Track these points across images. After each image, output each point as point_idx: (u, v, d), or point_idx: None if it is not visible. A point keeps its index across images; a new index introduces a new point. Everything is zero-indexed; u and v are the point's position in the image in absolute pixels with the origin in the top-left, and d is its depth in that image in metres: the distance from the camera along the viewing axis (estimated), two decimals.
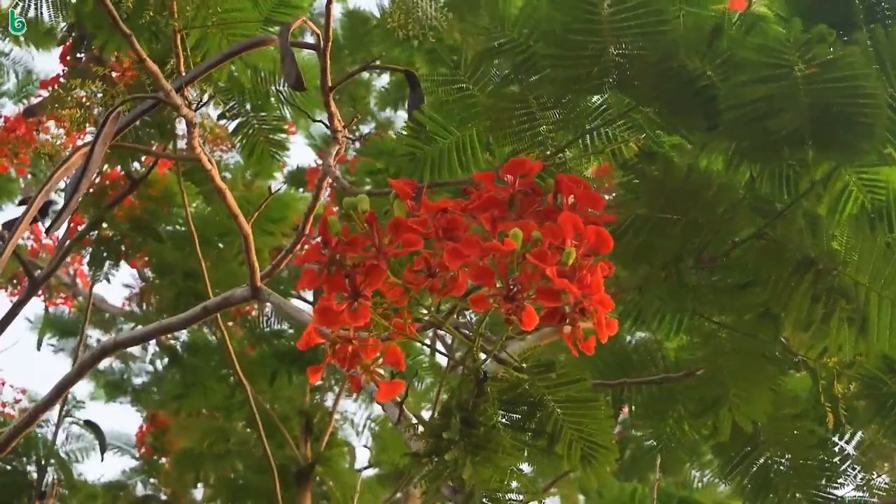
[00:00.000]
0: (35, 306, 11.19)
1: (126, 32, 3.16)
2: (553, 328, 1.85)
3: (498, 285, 1.73)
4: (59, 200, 4.73)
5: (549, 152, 2.77)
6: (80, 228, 7.14)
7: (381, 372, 1.98)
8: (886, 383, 2.94)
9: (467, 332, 2.12)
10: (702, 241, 2.65)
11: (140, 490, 9.24)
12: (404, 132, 3.06)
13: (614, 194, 2.78)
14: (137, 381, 9.37)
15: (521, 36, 2.66)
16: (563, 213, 1.81)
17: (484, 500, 2.08)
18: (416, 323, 1.97)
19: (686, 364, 3.11)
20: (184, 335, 8.18)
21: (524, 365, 2.15)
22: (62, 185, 3.81)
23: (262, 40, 3.78)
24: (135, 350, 9.45)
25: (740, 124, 2.48)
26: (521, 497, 2.15)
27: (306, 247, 3.18)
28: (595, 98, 2.77)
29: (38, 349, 9.25)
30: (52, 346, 9.83)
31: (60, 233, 7.28)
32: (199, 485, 8.36)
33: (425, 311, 1.96)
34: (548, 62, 2.63)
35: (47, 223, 3.46)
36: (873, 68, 2.43)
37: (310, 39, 4.10)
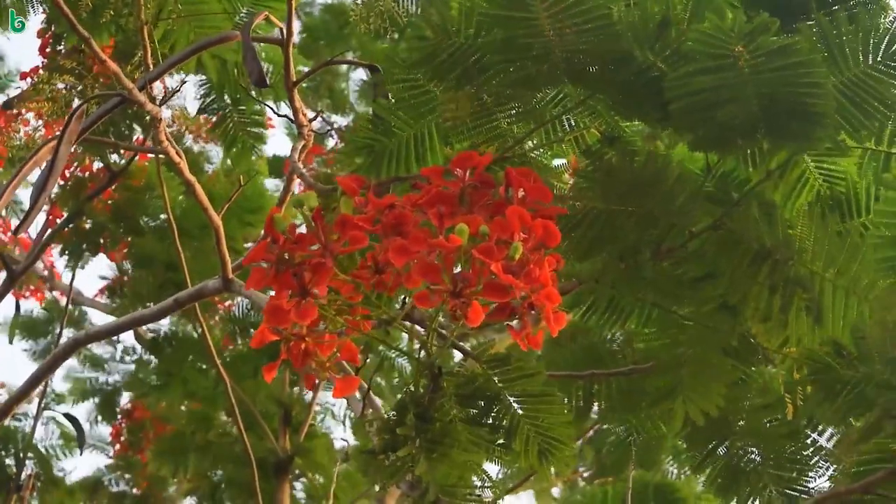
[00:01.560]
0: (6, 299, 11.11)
1: (85, 36, 3.14)
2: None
3: (446, 281, 1.73)
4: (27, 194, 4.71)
5: (508, 144, 2.76)
6: (58, 221, 7.12)
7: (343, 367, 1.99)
8: (835, 368, 2.93)
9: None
10: (660, 232, 2.65)
11: (116, 487, 9.21)
12: (363, 125, 3.04)
13: (572, 183, 2.77)
14: (111, 379, 9.34)
15: (468, 38, 2.64)
16: (511, 207, 1.80)
17: (441, 495, 2.08)
18: (369, 320, 1.97)
19: (653, 354, 3.11)
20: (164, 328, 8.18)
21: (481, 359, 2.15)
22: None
23: (225, 36, 3.77)
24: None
25: (689, 114, 2.47)
26: (480, 492, 2.15)
27: None
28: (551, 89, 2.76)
29: (10, 342, 9.24)
30: (27, 350, 9.82)
31: (38, 225, 7.29)
32: (174, 480, 8.33)
33: (379, 307, 1.95)
34: (496, 67, 2.62)
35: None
36: (820, 56, 2.43)
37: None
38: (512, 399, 2.17)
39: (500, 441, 2.19)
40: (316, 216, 1.81)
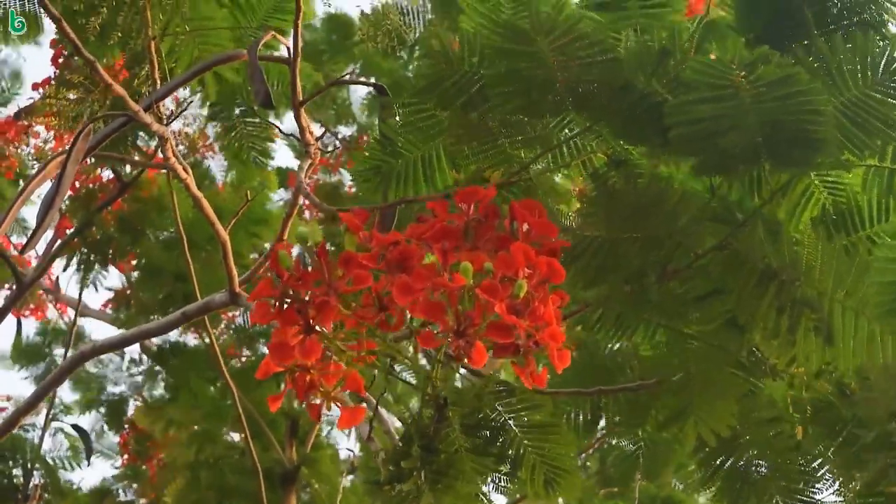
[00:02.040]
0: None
1: (90, 59, 3.14)
2: None
3: (449, 320, 1.72)
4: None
5: (514, 168, 2.76)
6: (68, 232, 7.13)
7: (343, 398, 1.98)
8: (836, 407, 2.92)
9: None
10: (665, 253, 2.65)
11: (123, 496, 9.22)
12: (371, 146, 3.05)
13: (576, 211, 2.77)
14: (116, 389, 9.34)
15: (472, 67, 2.65)
16: (515, 244, 1.79)
17: None
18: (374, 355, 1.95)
19: (661, 371, 3.10)
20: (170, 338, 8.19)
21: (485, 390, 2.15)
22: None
23: (232, 55, 3.76)
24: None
25: (690, 142, 2.47)
26: None
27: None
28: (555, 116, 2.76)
29: (14, 363, 9.24)
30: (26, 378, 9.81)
31: (47, 238, 7.31)
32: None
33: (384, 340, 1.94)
34: (500, 97, 2.62)
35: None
36: (819, 83, 2.43)
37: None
38: (517, 429, 2.17)
39: (506, 470, 2.19)
40: (320, 252, 1.81)
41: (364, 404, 2.00)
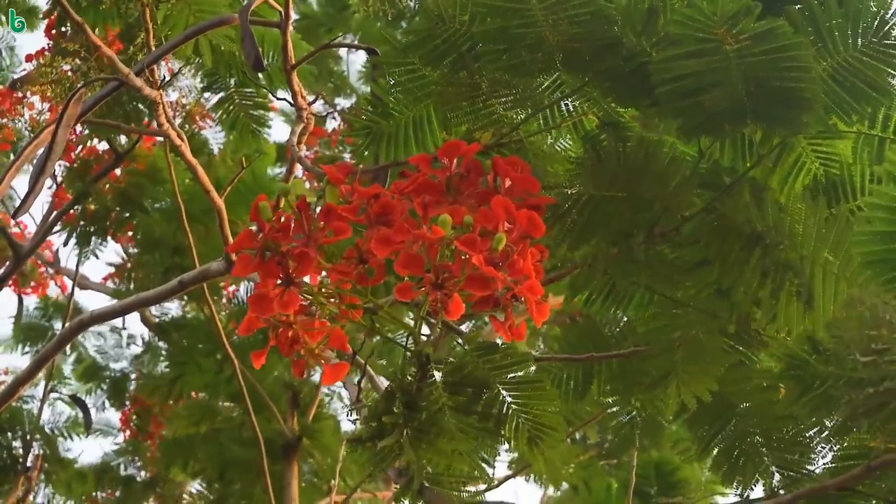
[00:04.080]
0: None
1: (78, 21, 3.15)
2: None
3: (428, 272, 1.72)
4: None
5: (505, 130, 2.75)
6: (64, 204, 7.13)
7: (328, 355, 1.98)
8: (811, 364, 2.90)
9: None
10: (652, 216, 2.64)
11: (125, 470, 9.23)
12: (363, 107, 3.04)
13: (567, 170, 2.76)
14: (116, 366, 9.35)
15: (462, 25, 2.65)
16: (496, 198, 1.79)
17: (427, 483, 2.09)
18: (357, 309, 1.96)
19: (652, 337, 3.10)
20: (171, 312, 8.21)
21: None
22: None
23: (223, 20, 3.76)
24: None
25: (675, 99, 2.46)
26: (468, 480, 2.15)
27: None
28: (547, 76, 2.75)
29: (16, 343, 9.25)
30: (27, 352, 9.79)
31: (43, 208, 7.31)
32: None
33: (366, 295, 1.94)
34: (490, 56, 2.62)
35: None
36: (807, 39, 2.41)
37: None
38: (501, 386, 2.16)
39: (490, 429, 2.18)
40: (301, 205, 1.81)
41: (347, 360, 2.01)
